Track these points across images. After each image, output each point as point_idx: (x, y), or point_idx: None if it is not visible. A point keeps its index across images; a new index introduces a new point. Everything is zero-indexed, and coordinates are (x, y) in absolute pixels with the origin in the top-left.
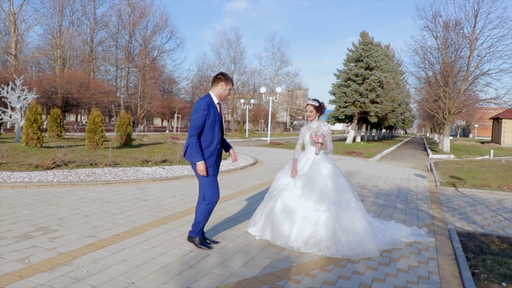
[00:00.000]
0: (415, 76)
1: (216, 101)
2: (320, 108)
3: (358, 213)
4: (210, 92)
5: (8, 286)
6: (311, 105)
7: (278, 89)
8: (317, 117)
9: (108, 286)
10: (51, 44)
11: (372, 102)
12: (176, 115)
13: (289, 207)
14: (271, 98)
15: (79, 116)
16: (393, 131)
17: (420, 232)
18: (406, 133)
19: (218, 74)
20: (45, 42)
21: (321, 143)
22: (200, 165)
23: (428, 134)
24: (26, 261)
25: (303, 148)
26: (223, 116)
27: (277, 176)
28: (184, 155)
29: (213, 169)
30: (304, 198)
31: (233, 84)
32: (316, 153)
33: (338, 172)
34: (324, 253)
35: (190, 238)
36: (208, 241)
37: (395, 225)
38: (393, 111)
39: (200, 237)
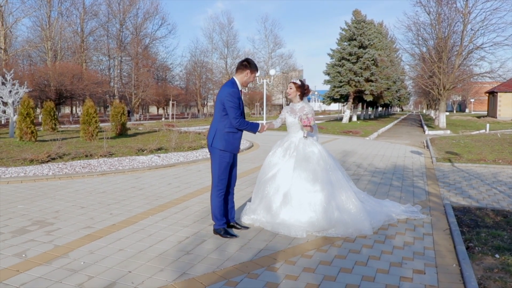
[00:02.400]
0: (409, 53)
1: (239, 88)
2: (301, 88)
3: (349, 192)
4: (235, 79)
5: (6, 280)
6: (293, 82)
7: (272, 72)
8: (297, 97)
9: (105, 276)
10: (41, 36)
11: (367, 80)
12: (171, 102)
13: (285, 192)
14: (265, 81)
15: (74, 108)
16: (389, 109)
17: (414, 209)
18: (402, 110)
19: (243, 61)
20: (35, 35)
21: (311, 126)
22: (262, 127)
23: (424, 111)
24: (23, 255)
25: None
26: None
27: (267, 164)
28: (211, 145)
29: (231, 156)
30: (298, 182)
31: (257, 71)
32: (304, 136)
33: (325, 153)
34: (322, 234)
35: (215, 231)
36: (238, 227)
37: (389, 203)
38: (388, 88)
39: (224, 227)
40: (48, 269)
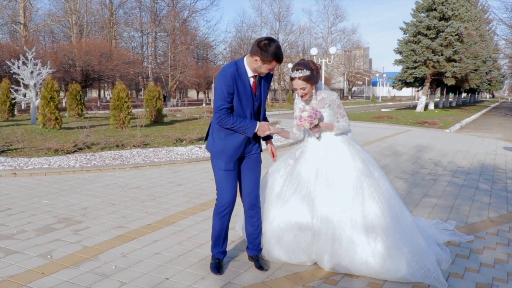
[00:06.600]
0: (506, 24)
1: (250, 73)
2: (313, 76)
3: (405, 210)
4: (244, 60)
5: (30, 284)
6: (300, 77)
7: (332, 50)
8: (313, 90)
9: (140, 283)
10: (64, 9)
11: (449, 60)
12: (213, 85)
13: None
14: (324, 60)
15: (102, 92)
16: (476, 95)
17: (447, 226)
18: (493, 97)
19: (259, 42)
20: (58, 7)
21: (317, 125)
22: (261, 128)
23: None
24: (49, 256)
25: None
26: (270, 90)
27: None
28: (205, 139)
29: (230, 163)
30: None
31: (278, 62)
32: (316, 137)
33: (369, 166)
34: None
35: None
36: (258, 265)
37: (421, 221)
38: (475, 70)
39: (215, 257)
40: (76, 272)
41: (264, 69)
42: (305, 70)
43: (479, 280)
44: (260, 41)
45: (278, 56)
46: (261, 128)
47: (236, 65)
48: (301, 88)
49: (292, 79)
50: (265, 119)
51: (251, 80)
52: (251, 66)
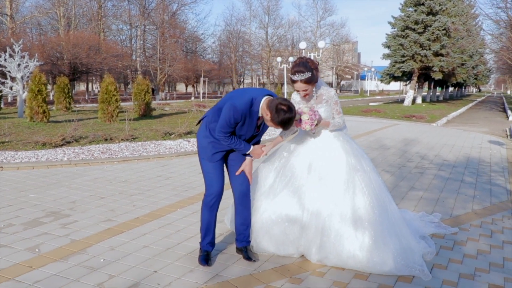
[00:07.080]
0: (492, 19)
1: (259, 113)
2: (314, 78)
3: (393, 204)
4: (262, 102)
5: (18, 277)
6: (301, 80)
7: (321, 44)
8: (313, 89)
9: (128, 276)
10: (52, 1)
11: (436, 54)
12: (202, 79)
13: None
14: (312, 54)
15: (90, 85)
16: (463, 90)
17: (432, 218)
18: (479, 91)
19: (279, 103)
20: None
21: (316, 124)
22: (254, 151)
23: (509, 92)
24: (37, 250)
25: None
26: (259, 84)
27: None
28: (198, 124)
29: (219, 155)
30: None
31: (283, 129)
32: (313, 132)
33: (362, 161)
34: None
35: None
36: (245, 256)
37: (409, 214)
38: (462, 64)
39: (203, 249)
40: (64, 266)
41: (269, 123)
42: (306, 72)
43: (462, 271)
44: (281, 103)
45: (284, 125)
46: (254, 152)
47: (252, 103)
48: (303, 90)
49: (293, 81)
50: (258, 142)
51: (259, 117)
52: (262, 112)
